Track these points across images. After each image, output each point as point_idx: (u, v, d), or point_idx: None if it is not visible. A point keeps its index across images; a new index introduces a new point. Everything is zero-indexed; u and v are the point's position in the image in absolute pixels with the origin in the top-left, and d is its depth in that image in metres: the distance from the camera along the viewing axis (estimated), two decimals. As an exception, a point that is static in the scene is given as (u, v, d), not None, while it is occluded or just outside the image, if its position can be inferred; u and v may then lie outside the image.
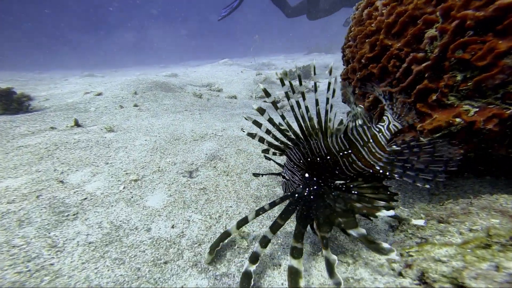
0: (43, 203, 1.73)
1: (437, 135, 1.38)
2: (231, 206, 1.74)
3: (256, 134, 1.47)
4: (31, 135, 3.05)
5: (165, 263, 1.32)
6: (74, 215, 1.64)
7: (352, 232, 1.12)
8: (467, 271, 0.91)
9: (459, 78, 1.32)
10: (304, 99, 1.42)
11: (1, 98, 4.29)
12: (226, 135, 3.03)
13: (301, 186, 1.49)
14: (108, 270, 1.27)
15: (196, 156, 2.48)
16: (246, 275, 1.16)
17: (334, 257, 1.06)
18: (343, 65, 2.36)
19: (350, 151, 1.41)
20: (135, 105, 4.80)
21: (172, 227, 1.53)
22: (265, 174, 1.87)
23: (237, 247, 1.44)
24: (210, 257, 1.35)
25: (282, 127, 1.47)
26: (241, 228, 1.35)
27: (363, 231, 1.11)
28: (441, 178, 1.34)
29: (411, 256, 1.07)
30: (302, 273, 1.09)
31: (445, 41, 1.34)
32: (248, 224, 1.36)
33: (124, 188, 1.94)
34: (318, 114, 1.43)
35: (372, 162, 1.41)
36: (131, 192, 1.88)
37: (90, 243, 1.43)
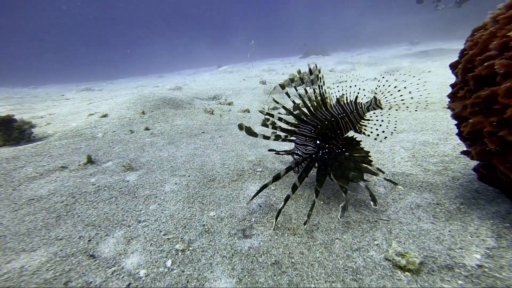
0: (76, 298, 1.34)
1: None
2: (323, 292, 1.34)
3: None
4: (39, 178, 2.64)
5: None
6: (119, 317, 1.25)
7: (361, 183, 1.76)
8: None
9: None
10: (311, 85, 2.33)
11: (1, 127, 3.87)
12: (267, 170, 2.65)
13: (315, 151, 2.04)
14: None
15: (246, 207, 2.07)
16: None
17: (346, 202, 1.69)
18: (457, 80, 1.82)
19: (344, 114, 2.06)
20: (147, 129, 4.40)
21: None
22: (280, 152, 2.20)
23: None
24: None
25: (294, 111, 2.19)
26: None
27: (367, 182, 1.86)
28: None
29: None
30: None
31: None
32: None
33: (172, 264, 1.55)
34: (321, 94, 2.09)
35: (355, 124, 2.13)
36: (183, 272, 1.49)
37: None
